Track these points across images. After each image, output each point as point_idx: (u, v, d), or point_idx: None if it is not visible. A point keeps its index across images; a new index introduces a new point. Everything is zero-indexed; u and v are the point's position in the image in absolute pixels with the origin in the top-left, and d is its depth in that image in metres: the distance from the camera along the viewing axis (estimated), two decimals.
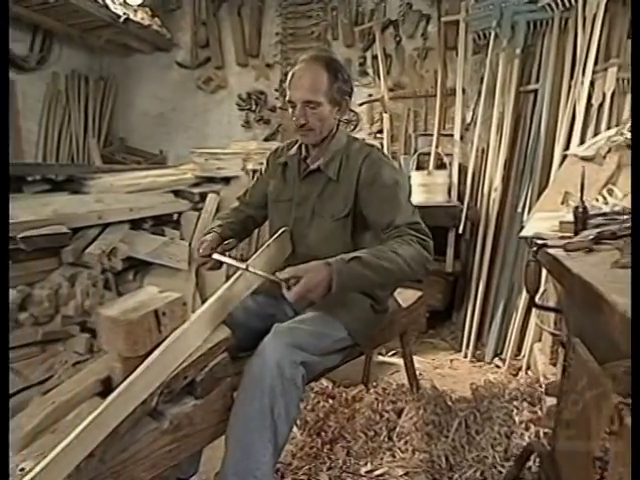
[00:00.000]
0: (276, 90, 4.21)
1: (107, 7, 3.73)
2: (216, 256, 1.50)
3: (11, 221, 1.91)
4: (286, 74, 3.94)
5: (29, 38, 4.21)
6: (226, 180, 2.85)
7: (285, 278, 1.25)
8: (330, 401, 2.19)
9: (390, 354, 2.80)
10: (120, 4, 3.87)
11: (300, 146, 1.64)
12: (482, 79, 3.20)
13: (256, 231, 2.41)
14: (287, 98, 1.51)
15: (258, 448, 1.22)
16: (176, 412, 1.17)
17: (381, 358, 2.75)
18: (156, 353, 1.07)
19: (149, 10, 4.21)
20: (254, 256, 1.44)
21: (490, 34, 3.08)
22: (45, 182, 2.32)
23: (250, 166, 2.87)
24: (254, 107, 4.28)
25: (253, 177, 2.87)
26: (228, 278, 2.52)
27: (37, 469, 0.91)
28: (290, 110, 1.52)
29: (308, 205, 1.57)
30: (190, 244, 2.50)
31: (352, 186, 1.50)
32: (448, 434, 1.94)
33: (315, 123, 1.48)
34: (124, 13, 3.87)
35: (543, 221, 1.70)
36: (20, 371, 1.95)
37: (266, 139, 4.17)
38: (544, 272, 1.65)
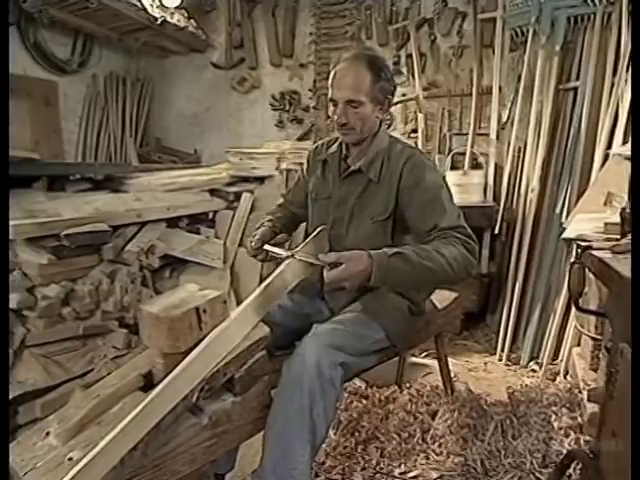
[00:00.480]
0: (310, 90, 4.22)
1: (145, 10, 3.82)
2: (267, 247, 1.56)
3: (55, 219, 1.98)
4: (319, 74, 4.06)
5: (71, 42, 4.34)
6: (260, 179, 2.87)
7: (329, 261, 1.26)
8: (363, 401, 2.18)
9: (423, 355, 2.78)
10: (157, 7, 3.95)
11: (340, 144, 1.63)
12: (519, 77, 3.13)
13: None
14: (329, 96, 1.50)
15: (296, 448, 1.23)
16: (215, 408, 1.18)
17: (414, 359, 2.73)
18: (201, 346, 1.09)
19: (185, 12, 4.28)
20: (297, 248, 1.44)
21: (528, 31, 3.02)
22: (86, 181, 2.38)
23: (284, 166, 2.89)
24: (287, 107, 4.30)
25: (287, 177, 2.90)
26: (262, 277, 2.57)
27: (85, 460, 0.94)
28: (331, 108, 1.50)
29: (347, 206, 1.56)
30: (225, 243, 2.52)
31: (393, 189, 1.48)
32: (484, 438, 1.91)
33: (356, 122, 1.46)
34: (161, 16, 3.95)
35: (586, 222, 1.66)
36: (63, 364, 2.02)
37: (299, 139, 4.19)
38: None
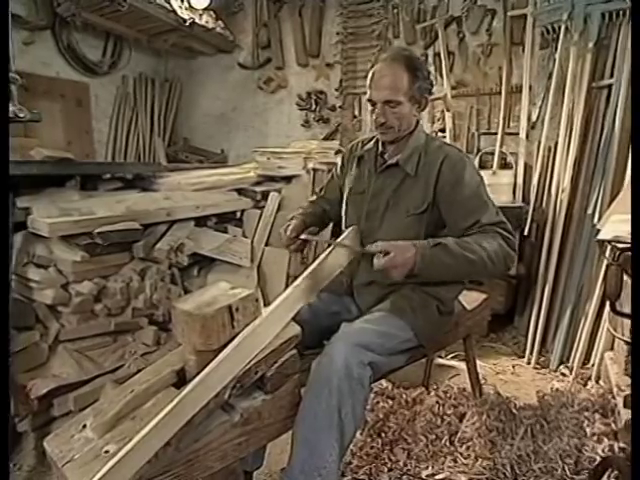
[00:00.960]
0: (336, 89, 4.23)
1: (174, 12, 3.88)
2: (304, 236, 1.59)
3: (89, 217, 2.02)
4: (346, 73, 4.06)
5: (102, 44, 4.45)
6: (287, 179, 2.89)
7: (376, 250, 1.31)
8: (390, 402, 2.17)
9: (449, 357, 2.75)
10: (186, 9, 4.01)
11: (377, 141, 1.65)
12: (550, 75, 3.07)
13: None
14: (367, 97, 1.53)
15: (325, 447, 1.23)
16: (246, 406, 1.19)
17: (440, 361, 2.70)
18: (235, 343, 1.10)
19: (213, 13, 4.33)
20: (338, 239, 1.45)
21: (560, 28, 2.95)
22: (117, 180, 2.42)
23: (311, 165, 2.90)
24: (314, 107, 4.31)
25: (314, 176, 2.91)
26: (289, 276, 2.58)
27: (121, 453, 0.96)
28: (370, 108, 1.54)
29: (382, 198, 1.58)
30: (252, 242, 2.54)
31: (430, 184, 1.49)
32: (513, 442, 1.88)
33: (394, 122, 1.50)
34: (190, 17, 4.01)
35: (622, 223, 1.61)
36: (94, 359, 2.06)
37: (325, 138, 4.19)
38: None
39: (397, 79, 1.46)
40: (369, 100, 1.52)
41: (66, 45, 4.09)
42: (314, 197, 1.92)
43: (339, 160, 1.84)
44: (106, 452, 1.02)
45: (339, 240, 1.46)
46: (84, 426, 1.11)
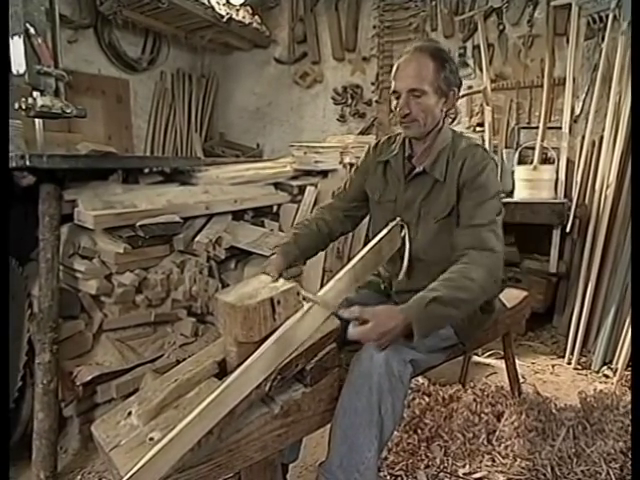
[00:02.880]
0: (372, 83, 4.20)
1: (212, 8, 3.92)
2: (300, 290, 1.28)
3: (131, 210, 2.07)
4: (382, 67, 4.02)
5: (141, 41, 4.54)
6: (324, 173, 2.89)
7: (351, 318, 1.20)
8: (426, 398, 2.15)
9: (486, 355, 2.70)
10: (224, 4, 4.05)
11: (403, 142, 1.56)
12: (596, 66, 2.97)
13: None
14: (391, 89, 1.46)
15: (363, 443, 1.23)
16: (286, 398, 1.19)
17: (477, 358, 2.66)
18: (276, 335, 1.11)
19: (250, 9, 4.36)
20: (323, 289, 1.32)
21: (607, 17, 2.86)
22: (158, 174, 2.47)
23: (347, 159, 2.89)
24: (350, 101, 4.30)
25: (350, 170, 2.89)
26: (324, 271, 2.58)
27: (165, 441, 0.98)
28: (394, 101, 1.46)
29: (414, 209, 1.51)
30: None
31: (454, 185, 1.43)
32: (553, 443, 1.84)
33: (419, 113, 1.40)
34: (227, 13, 4.04)
35: None
36: (135, 348, 2.11)
37: (361, 133, 4.18)
38: None
39: (422, 67, 1.38)
40: (393, 92, 1.44)
41: (107, 43, 4.20)
42: (329, 201, 1.78)
43: (363, 157, 1.71)
44: (151, 439, 1.04)
45: (325, 289, 1.29)
46: (129, 413, 1.14)
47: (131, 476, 0.91)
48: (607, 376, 2.49)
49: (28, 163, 1.65)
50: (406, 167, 1.54)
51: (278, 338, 1.13)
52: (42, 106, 1.87)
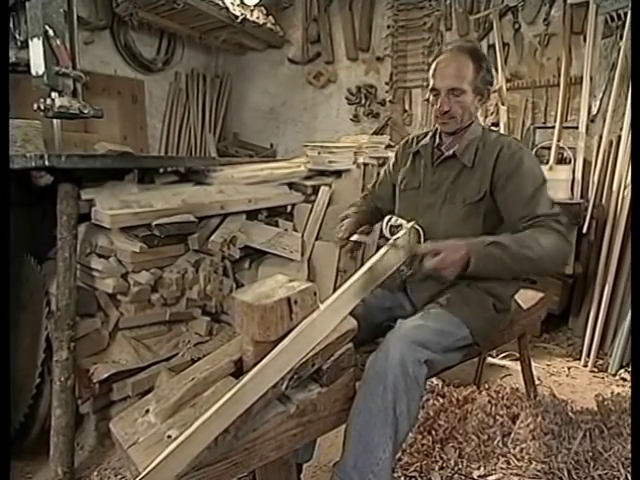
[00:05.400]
0: (386, 83, 4.19)
1: (227, 9, 3.94)
2: (356, 237, 1.63)
3: (147, 209, 2.09)
4: (396, 67, 4.01)
5: (156, 42, 4.58)
6: (338, 173, 2.88)
7: (427, 251, 1.33)
8: (440, 400, 2.14)
9: (501, 356, 2.68)
10: (238, 5, 4.06)
11: (434, 135, 1.65)
12: (614, 65, 2.94)
13: None
14: (430, 86, 1.54)
15: (378, 444, 1.22)
16: (302, 398, 1.19)
17: (491, 360, 2.64)
18: (293, 335, 1.11)
19: (264, 9, 4.37)
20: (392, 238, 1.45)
21: (626, 14, 2.81)
22: (173, 174, 2.49)
23: (361, 160, 2.88)
24: (363, 101, 4.29)
25: (364, 171, 2.89)
26: (338, 270, 2.58)
27: (182, 438, 0.98)
28: (432, 98, 1.54)
29: (440, 192, 1.57)
30: (303, 236, 2.56)
31: (488, 173, 1.49)
32: (570, 446, 1.82)
33: (457, 111, 1.49)
34: (241, 13, 4.06)
35: None
36: (150, 347, 2.12)
37: (375, 133, 4.17)
38: None
39: (463, 67, 1.47)
40: (432, 89, 1.52)
41: (123, 44, 4.24)
42: (366, 192, 1.93)
43: (392, 156, 1.84)
44: (169, 437, 1.05)
45: (393, 240, 1.44)
46: (147, 411, 1.14)
47: (148, 472, 0.92)
48: (624, 379, 2.46)
49: (47, 163, 1.67)
50: (435, 153, 1.63)
51: (295, 337, 1.13)
52: (60, 107, 1.90)
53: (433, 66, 1.53)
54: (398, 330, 1.34)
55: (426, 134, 1.70)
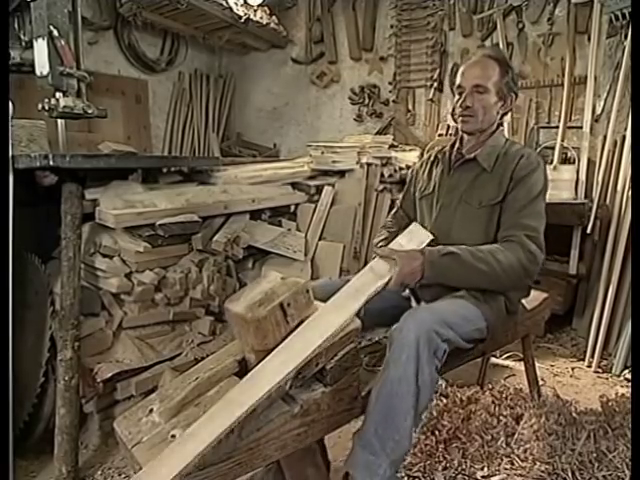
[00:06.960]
0: (390, 83, 4.18)
1: (230, 9, 3.94)
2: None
3: (151, 209, 2.09)
4: (400, 67, 4.01)
5: (160, 42, 4.59)
6: (341, 173, 2.88)
7: (382, 255, 1.41)
8: (444, 400, 2.13)
9: (505, 357, 2.68)
10: (241, 5, 4.07)
11: (454, 143, 1.71)
12: (618, 65, 2.92)
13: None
14: (455, 85, 1.60)
15: (400, 412, 1.23)
16: (306, 397, 1.20)
17: (495, 360, 2.64)
18: (295, 334, 1.11)
19: (267, 9, 4.37)
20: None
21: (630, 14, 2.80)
22: (177, 173, 2.49)
23: (365, 159, 2.88)
24: (367, 101, 4.29)
25: (368, 171, 2.89)
26: (342, 270, 2.58)
27: (185, 437, 0.99)
28: (456, 97, 1.60)
29: (456, 193, 1.62)
30: (306, 235, 2.56)
31: (506, 177, 1.53)
32: (574, 447, 1.81)
33: (479, 109, 1.54)
34: (245, 13, 4.06)
35: None
36: (154, 346, 2.13)
37: (378, 133, 4.16)
38: None
39: (489, 68, 1.54)
40: (458, 87, 1.58)
41: (127, 44, 4.25)
42: (395, 209, 1.97)
43: (416, 168, 1.89)
44: (172, 436, 1.05)
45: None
46: (151, 410, 1.15)
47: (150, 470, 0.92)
48: (629, 380, 2.45)
49: (51, 163, 1.67)
50: (454, 156, 1.68)
51: (298, 336, 1.13)
52: (65, 107, 1.90)
53: (460, 70, 1.60)
54: (427, 307, 1.41)
55: (444, 147, 1.77)
